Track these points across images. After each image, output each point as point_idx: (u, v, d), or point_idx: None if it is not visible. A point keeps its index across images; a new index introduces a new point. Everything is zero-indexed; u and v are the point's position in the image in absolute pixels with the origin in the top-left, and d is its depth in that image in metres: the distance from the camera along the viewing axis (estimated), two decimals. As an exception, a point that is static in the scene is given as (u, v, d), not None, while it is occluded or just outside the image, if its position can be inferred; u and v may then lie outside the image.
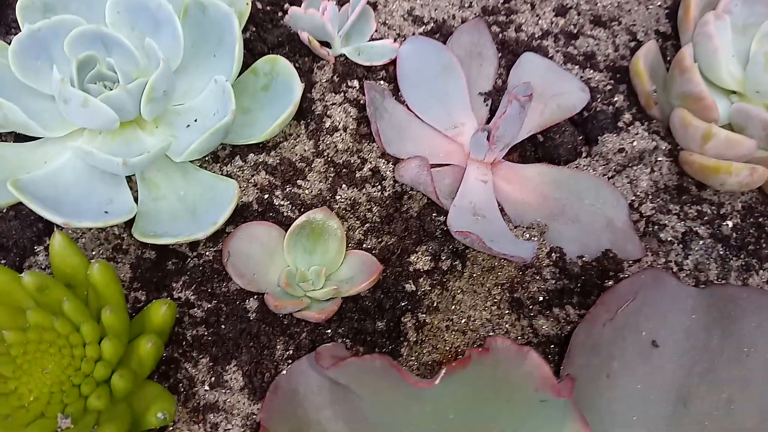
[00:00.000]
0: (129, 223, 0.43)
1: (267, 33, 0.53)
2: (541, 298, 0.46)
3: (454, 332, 0.44)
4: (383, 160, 0.49)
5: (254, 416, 0.39)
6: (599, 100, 0.56)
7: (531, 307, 0.46)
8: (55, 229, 0.39)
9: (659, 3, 0.62)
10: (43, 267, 0.43)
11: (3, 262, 0.42)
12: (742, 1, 0.55)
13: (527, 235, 0.47)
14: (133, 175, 0.45)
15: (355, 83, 0.53)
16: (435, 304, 0.45)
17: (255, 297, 0.43)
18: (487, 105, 0.53)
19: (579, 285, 0.46)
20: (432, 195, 0.45)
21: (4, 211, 0.44)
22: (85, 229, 0.43)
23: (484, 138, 0.46)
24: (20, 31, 0.48)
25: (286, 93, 0.47)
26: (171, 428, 0.39)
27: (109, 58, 0.44)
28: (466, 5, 0.60)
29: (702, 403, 0.42)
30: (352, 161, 0.49)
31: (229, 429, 0.39)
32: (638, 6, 0.62)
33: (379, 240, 0.47)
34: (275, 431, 0.35)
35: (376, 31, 0.56)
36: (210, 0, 0.47)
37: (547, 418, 0.34)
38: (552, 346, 0.44)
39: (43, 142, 0.45)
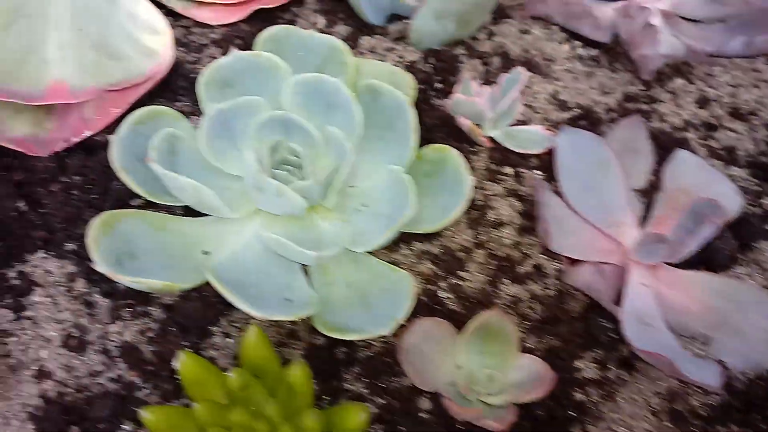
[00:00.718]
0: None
1: (423, 114, 0.52)
2: (703, 413, 0.45)
3: (617, 427, 0.43)
4: (545, 256, 0.48)
5: None
6: (747, 200, 0.55)
7: (692, 421, 0.45)
8: (254, 324, 0.39)
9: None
10: (218, 348, 0.42)
11: (185, 344, 0.41)
12: None
13: (692, 348, 0.46)
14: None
15: (509, 170, 0.52)
16: (600, 414, 0.44)
17: (426, 396, 0.42)
18: (642, 202, 0.52)
19: (743, 403, 0.45)
20: (605, 303, 0.45)
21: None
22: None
23: (658, 245, 0.45)
24: (188, 101, 0.49)
25: (456, 185, 0.46)
26: None
27: (291, 144, 0.44)
28: (607, 91, 0.60)
29: None
30: (513, 255, 0.48)
31: None
32: (776, 100, 0.61)
33: (541, 341, 0.46)
34: None
35: (521, 113, 0.56)
36: (384, 87, 0.47)
37: None
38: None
39: (218, 219, 0.44)
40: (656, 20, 0.60)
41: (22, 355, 0.41)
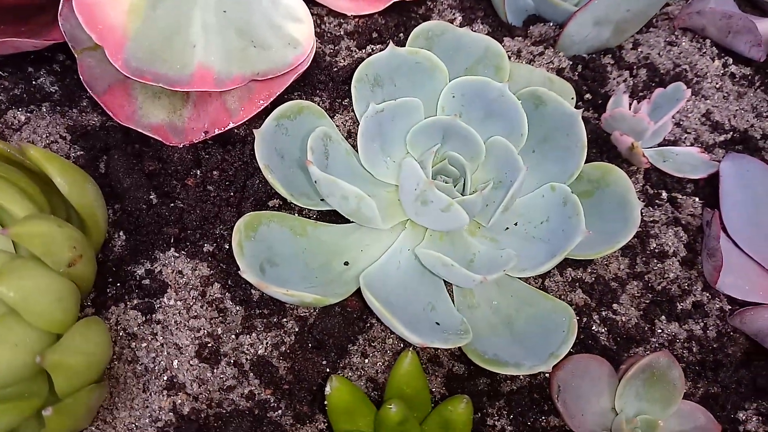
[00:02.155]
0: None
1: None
2: None
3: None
4: (707, 294, 0.44)
5: None
6: None
7: None
8: (410, 350, 0.35)
9: None
10: (354, 368, 0.39)
11: (323, 362, 0.38)
12: None
13: None
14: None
15: (665, 194, 0.48)
16: (761, 471, 0.40)
17: (578, 439, 0.39)
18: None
19: None
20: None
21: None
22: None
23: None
24: (326, 96, 0.46)
25: (619, 209, 0.42)
26: None
27: (451, 152, 0.40)
28: (763, 114, 0.55)
29: None
30: (672, 290, 0.44)
31: None
32: None
33: (698, 386, 0.42)
34: None
35: (671, 131, 0.52)
36: (549, 95, 0.43)
37: None
38: None
39: (360, 228, 0.41)
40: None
41: (152, 363, 0.38)
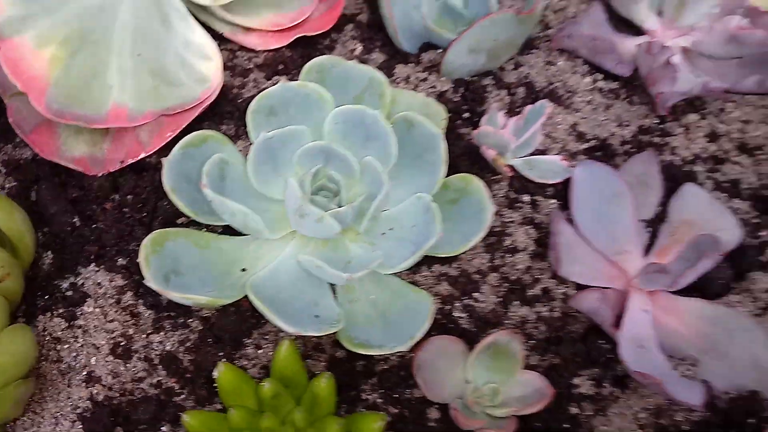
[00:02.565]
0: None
1: (450, 143, 0.56)
2: (686, 428, 0.49)
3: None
4: (554, 281, 0.53)
5: None
6: (746, 233, 0.58)
7: (678, 434, 0.49)
8: (288, 339, 0.44)
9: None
10: (249, 358, 0.47)
11: (221, 354, 0.46)
12: None
13: (681, 369, 0.50)
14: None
15: (527, 198, 0.56)
16: (592, 427, 0.48)
17: (436, 407, 0.47)
18: (648, 232, 0.56)
19: (723, 420, 0.50)
20: (605, 327, 0.49)
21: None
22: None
23: (659, 275, 0.49)
24: (233, 124, 0.54)
25: (477, 213, 0.50)
26: None
27: (331, 171, 0.48)
28: (624, 123, 0.63)
29: None
30: (527, 280, 0.52)
31: None
32: (784, 134, 0.64)
33: (544, 359, 0.50)
34: None
35: (541, 142, 0.60)
36: (418, 119, 0.51)
37: None
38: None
39: (255, 239, 0.49)
40: (676, 59, 0.63)
41: (73, 361, 0.46)
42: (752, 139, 0.64)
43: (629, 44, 0.66)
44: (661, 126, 0.64)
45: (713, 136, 0.63)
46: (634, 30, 0.68)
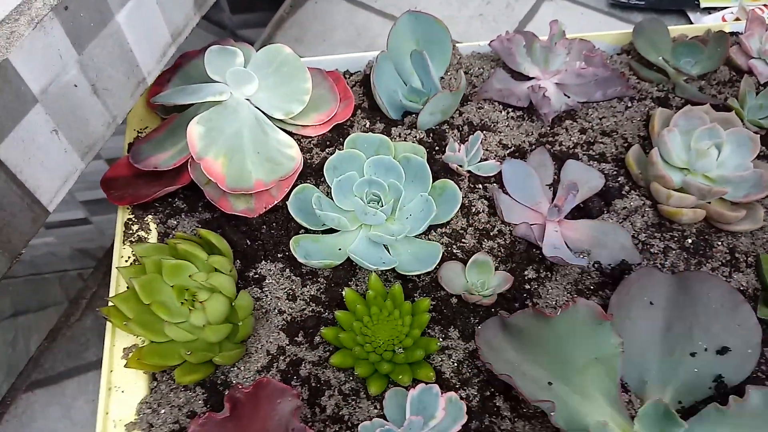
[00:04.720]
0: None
1: (432, 165, 1.00)
2: (592, 287, 0.92)
3: (547, 298, 0.91)
4: (504, 225, 0.96)
5: (468, 347, 0.86)
6: (610, 180, 1.02)
7: (587, 292, 0.92)
8: (373, 274, 0.87)
9: (640, 119, 1.09)
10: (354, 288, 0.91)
11: (338, 290, 0.89)
12: (683, 118, 1.03)
13: (581, 256, 0.94)
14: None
15: (480, 187, 1.01)
16: (539, 293, 0.91)
17: (455, 296, 0.90)
18: (550, 189, 1.00)
19: (610, 279, 0.92)
20: (532, 240, 0.93)
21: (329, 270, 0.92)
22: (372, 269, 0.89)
23: (556, 210, 0.93)
24: (312, 179, 0.98)
25: (453, 198, 0.94)
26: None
27: (373, 190, 0.93)
28: (529, 134, 1.08)
29: (678, 330, 0.86)
30: (488, 228, 0.96)
31: (457, 354, 0.85)
32: (628, 122, 1.09)
33: (506, 265, 0.93)
34: (486, 353, 0.81)
35: (483, 154, 1.05)
36: (412, 156, 0.95)
37: (601, 331, 0.80)
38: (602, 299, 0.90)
39: (342, 233, 0.93)
40: (550, 92, 1.09)
41: (268, 306, 0.89)
42: (607, 127, 1.09)
43: (523, 87, 1.11)
44: (552, 131, 1.08)
45: (583, 130, 1.08)
46: (525, 78, 1.14)
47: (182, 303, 0.79)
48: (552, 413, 0.74)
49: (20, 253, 0.67)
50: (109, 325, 0.83)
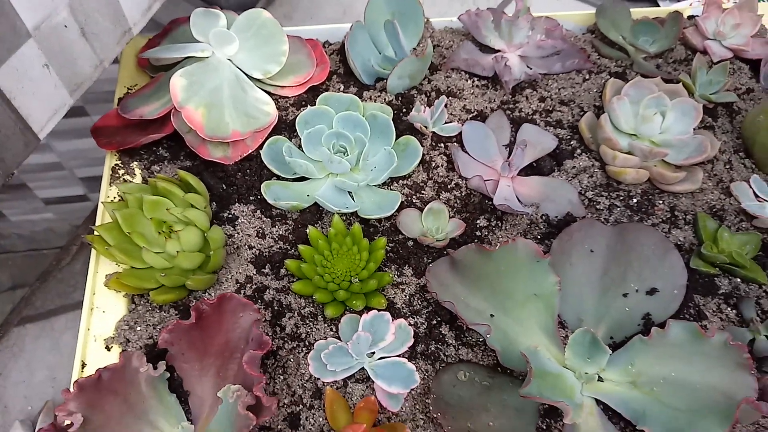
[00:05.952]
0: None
1: (398, 124, 1.09)
2: (539, 237, 1.00)
3: (496, 244, 0.99)
4: (461, 179, 1.04)
5: (420, 282, 0.94)
6: (563, 143, 1.11)
7: (535, 240, 1.00)
8: (335, 215, 0.95)
9: (597, 91, 1.17)
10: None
11: (304, 230, 0.98)
12: (633, 88, 1.11)
13: (530, 208, 1.02)
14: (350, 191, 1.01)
15: (442, 145, 1.09)
16: (489, 240, 0.99)
17: (411, 240, 0.98)
18: (506, 149, 1.08)
19: (556, 229, 1.00)
20: (485, 192, 1.01)
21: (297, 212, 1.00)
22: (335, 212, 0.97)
23: (508, 166, 1.02)
24: (286, 133, 1.07)
25: (415, 153, 1.02)
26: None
27: (341, 142, 1.01)
28: (493, 101, 1.16)
29: (613, 274, 0.95)
30: (446, 181, 1.04)
31: (410, 288, 0.93)
32: (585, 93, 1.17)
33: (462, 215, 1.01)
34: (434, 286, 0.89)
35: (447, 118, 1.13)
36: (379, 114, 1.03)
37: (539, 268, 0.88)
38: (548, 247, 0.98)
39: (312, 180, 1.01)
40: (512, 62, 1.17)
41: (240, 242, 0.97)
42: (565, 96, 1.17)
43: (488, 59, 1.19)
44: (513, 99, 1.16)
45: (543, 99, 1.16)
46: (490, 50, 1.23)
47: (159, 233, 0.87)
48: (488, 335, 0.82)
49: (12, 172, 0.75)
50: (93, 253, 0.91)
